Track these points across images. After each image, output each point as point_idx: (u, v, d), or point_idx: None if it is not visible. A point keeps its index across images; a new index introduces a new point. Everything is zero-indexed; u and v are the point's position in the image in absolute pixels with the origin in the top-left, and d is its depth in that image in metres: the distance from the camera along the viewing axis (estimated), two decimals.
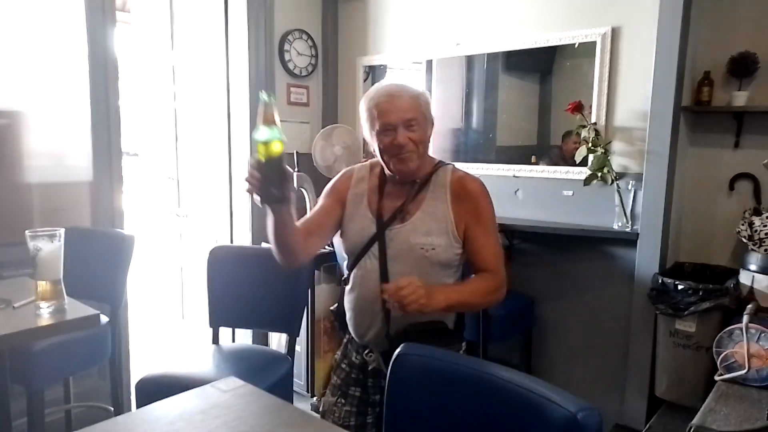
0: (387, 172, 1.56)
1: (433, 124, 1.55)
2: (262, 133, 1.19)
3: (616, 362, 2.71)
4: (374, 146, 1.52)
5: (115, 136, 2.76)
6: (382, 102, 1.48)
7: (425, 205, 1.51)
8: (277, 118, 1.20)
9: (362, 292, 1.53)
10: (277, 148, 1.20)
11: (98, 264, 2.34)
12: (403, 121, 1.46)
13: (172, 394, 1.23)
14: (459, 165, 1.65)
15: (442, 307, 1.39)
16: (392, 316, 1.48)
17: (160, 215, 3.99)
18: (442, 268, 1.49)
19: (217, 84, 3.44)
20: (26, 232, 1.61)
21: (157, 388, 1.89)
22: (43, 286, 1.64)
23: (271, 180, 1.22)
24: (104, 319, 2.02)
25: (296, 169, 3.22)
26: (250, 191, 1.25)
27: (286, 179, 1.25)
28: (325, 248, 3.12)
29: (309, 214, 1.62)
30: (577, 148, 2.68)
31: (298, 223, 1.47)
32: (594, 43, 2.68)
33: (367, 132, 1.54)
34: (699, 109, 2.54)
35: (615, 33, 2.63)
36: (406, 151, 1.47)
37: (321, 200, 1.62)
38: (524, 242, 2.97)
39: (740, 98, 2.43)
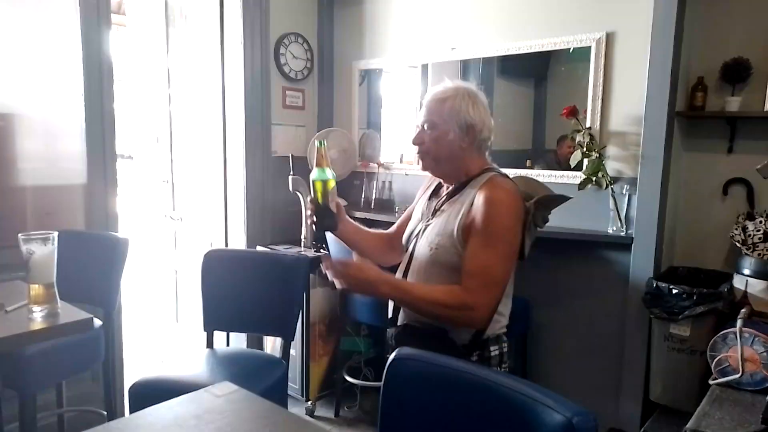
0: None
1: (466, 130, 1.49)
2: (314, 173, 1.51)
3: (611, 366, 2.71)
4: None
5: (109, 138, 2.75)
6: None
7: (451, 206, 1.52)
8: (328, 160, 1.51)
9: None
10: (328, 184, 1.50)
11: (92, 267, 2.33)
12: (421, 122, 1.54)
13: (166, 399, 1.22)
14: None
15: (382, 297, 1.50)
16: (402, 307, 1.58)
17: (155, 218, 3.98)
18: (444, 268, 1.47)
19: (212, 87, 3.44)
20: (19, 235, 1.60)
21: (150, 393, 1.88)
22: (35, 289, 1.63)
23: (325, 212, 1.53)
24: (97, 322, 2.02)
25: (292, 173, 3.22)
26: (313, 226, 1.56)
27: (338, 210, 1.57)
28: (320, 251, 3.12)
29: (399, 220, 1.80)
30: (572, 153, 2.69)
31: (391, 229, 1.77)
32: (589, 48, 2.69)
33: None
34: (693, 114, 2.55)
35: (609, 38, 2.65)
36: (419, 151, 1.55)
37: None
38: None
39: (733, 104, 2.44)
